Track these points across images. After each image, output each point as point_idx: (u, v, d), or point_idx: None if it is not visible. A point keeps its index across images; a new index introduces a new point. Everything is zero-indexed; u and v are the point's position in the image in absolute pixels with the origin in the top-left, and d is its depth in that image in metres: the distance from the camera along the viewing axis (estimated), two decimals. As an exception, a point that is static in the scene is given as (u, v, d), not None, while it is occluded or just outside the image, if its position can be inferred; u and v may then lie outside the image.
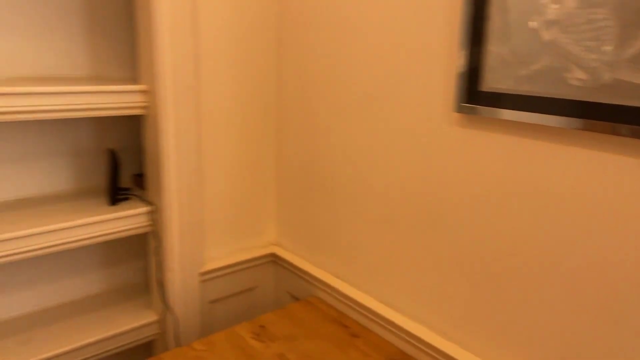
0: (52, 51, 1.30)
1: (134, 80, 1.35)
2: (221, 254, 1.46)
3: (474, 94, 0.94)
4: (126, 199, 1.35)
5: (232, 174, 1.43)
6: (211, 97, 1.34)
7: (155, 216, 1.33)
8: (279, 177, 1.53)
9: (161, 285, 1.36)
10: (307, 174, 1.42)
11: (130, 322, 1.36)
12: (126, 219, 1.29)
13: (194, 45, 1.26)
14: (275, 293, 1.59)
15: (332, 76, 1.28)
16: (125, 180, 1.47)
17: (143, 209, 1.31)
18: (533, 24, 0.84)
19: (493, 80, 0.90)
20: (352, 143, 1.26)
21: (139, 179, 1.44)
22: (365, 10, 1.17)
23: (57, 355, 1.23)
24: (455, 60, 0.99)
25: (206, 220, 1.40)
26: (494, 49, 0.89)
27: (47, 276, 1.40)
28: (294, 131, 1.44)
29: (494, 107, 0.91)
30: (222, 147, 1.39)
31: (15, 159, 1.31)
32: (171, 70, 1.22)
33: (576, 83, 0.79)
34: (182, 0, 1.21)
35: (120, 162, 1.42)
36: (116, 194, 1.32)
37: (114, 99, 1.22)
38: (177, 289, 1.36)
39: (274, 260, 1.56)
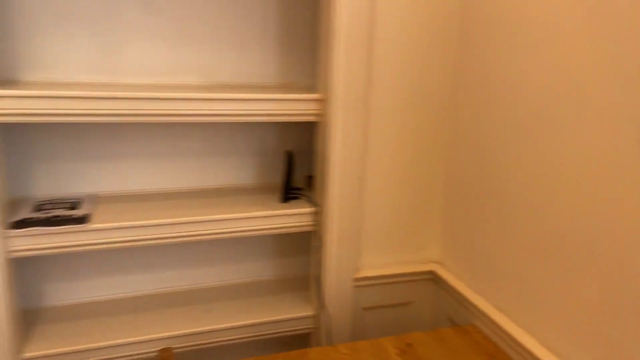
0: (249, 61, 1.48)
1: (313, 89, 1.44)
2: (378, 264, 1.46)
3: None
4: (296, 198, 1.46)
5: (396, 186, 1.42)
6: (380, 108, 1.35)
7: (319, 217, 1.40)
8: (447, 193, 1.46)
9: (318, 283, 1.43)
10: (477, 193, 1.32)
11: (290, 312, 1.45)
12: (293, 217, 1.38)
13: (368, 58, 1.29)
14: (432, 313, 1.52)
15: (511, 88, 1.17)
16: (299, 181, 1.58)
17: (309, 209, 1.39)
18: None
19: None
20: (528, 164, 1.13)
21: (310, 181, 1.53)
22: (555, 15, 1.03)
23: (228, 329, 1.39)
24: (658, 74, 0.80)
25: (365, 228, 1.41)
26: None
27: (228, 258, 1.60)
28: (466, 146, 1.35)
29: None
30: (387, 158, 1.39)
31: (213, 154, 1.52)
32: (343, 81, 1.27)
33: None
34: (360, 15, 1.25)
35: (295, 164, 1.54)
36: (288, 193, 1.43)
37: (293, 106, 1.32)
38: (332, 289, 1.41)
39: (434, 279, 1.49)
